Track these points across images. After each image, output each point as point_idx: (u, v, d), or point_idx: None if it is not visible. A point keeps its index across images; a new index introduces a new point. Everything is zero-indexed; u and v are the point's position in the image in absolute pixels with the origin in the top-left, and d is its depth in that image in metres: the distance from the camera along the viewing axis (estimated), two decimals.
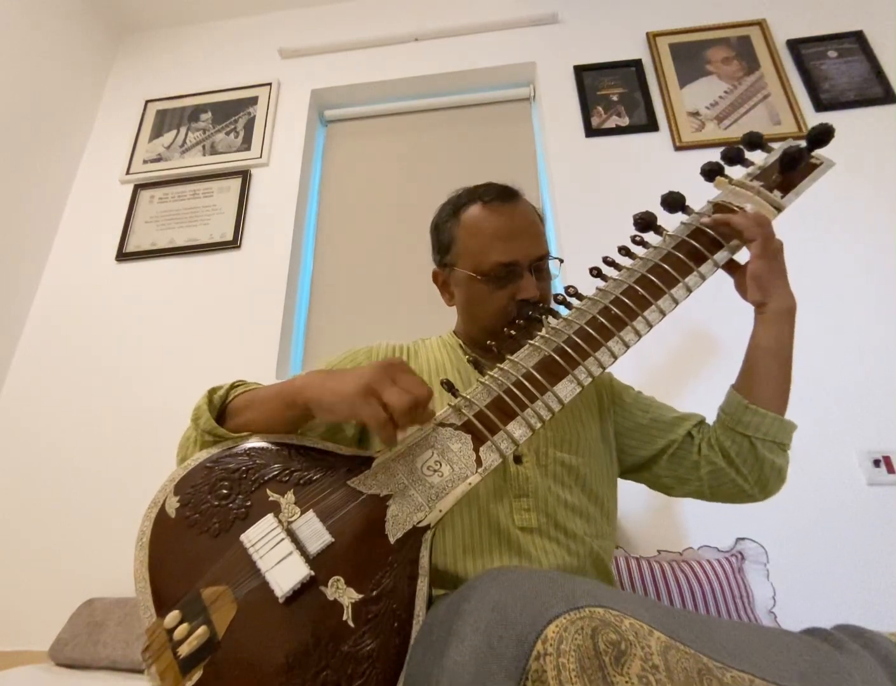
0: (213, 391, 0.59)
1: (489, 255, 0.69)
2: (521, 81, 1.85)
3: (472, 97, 1.86)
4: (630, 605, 0.33)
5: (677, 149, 1.58)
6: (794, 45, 1.68)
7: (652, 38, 1.76)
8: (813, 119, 1.55)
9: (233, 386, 0.61)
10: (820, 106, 1.57)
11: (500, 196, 0.73)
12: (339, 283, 1.67)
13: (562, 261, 0.78)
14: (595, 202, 1.54)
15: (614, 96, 1.69)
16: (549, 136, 1.67)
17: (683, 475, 0.72)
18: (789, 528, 1.14)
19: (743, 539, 1.08)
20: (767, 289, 0.63)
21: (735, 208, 0.65)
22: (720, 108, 1.63)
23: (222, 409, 0.58)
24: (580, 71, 1.74)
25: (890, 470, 1.15)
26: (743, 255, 0.66)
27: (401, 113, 1.90)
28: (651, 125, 1.63)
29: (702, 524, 1.16)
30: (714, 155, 0.71)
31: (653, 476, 0.75)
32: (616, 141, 1.63)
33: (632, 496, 1.17)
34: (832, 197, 1.43)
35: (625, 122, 1.65)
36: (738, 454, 0.65)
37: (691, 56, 1.72)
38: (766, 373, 0.64)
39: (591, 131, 1.65)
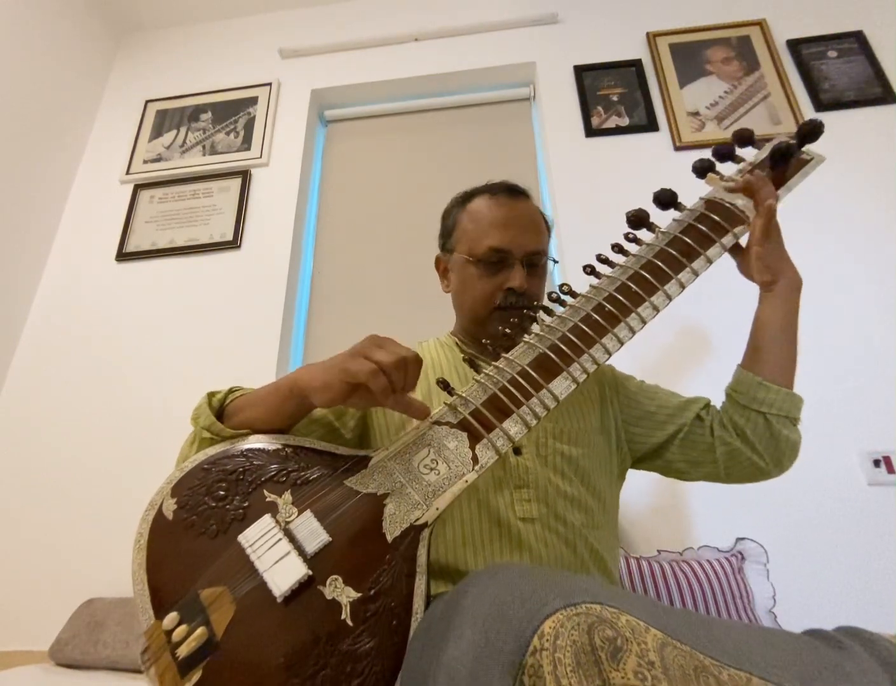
0: (211, 394, 0.60)
1: (484, 240, 0.72)
2: (521, 81, 1.85)
3: (472, 97, 1.86)
4: (627, 603, 0.33)
5: (677, 149, 1.58)
6: (794, 45, 1.68)
7: (652, 38, 1.76)
8: None
9: (231, 390, 0.62)
10: (820, 106, 1.57)
11: (508, 191, 0.76)
12: (339, 282, 1.66)
13: (556, 261, 0.78)
14: (595, 202, 1.54)
15: (614, 96, 1.69)
16: (549, 137, 1.67)
17: (697, 458, 0.71)
18: (789, 528, 1.14)
19: (743, 539, 1.08)
20: (776, 268, 0.65)
21: (727, 204, 0.65)
22: (720, 108, 1.63)
23: (220, 411, 0.59)
24: (580, 71, 1.74)
25: (890, 470, 1.15)
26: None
27: (401, 113, 1.90)
28: (651, 125, 1.63)
29: (702, 524, 1.16)
30: None
31: (665, 462, 0.75)
32: (616, 141, 1.63)
33: (632, 496, 1.17)
34: (832, 196, 1.43)
35: (625, 122, 1.65)
36: (754, 432, 0.65)
37: (691, 56, 1.72)
38: (776, 349, 0.65)
39: (591, 131, 1.65)
